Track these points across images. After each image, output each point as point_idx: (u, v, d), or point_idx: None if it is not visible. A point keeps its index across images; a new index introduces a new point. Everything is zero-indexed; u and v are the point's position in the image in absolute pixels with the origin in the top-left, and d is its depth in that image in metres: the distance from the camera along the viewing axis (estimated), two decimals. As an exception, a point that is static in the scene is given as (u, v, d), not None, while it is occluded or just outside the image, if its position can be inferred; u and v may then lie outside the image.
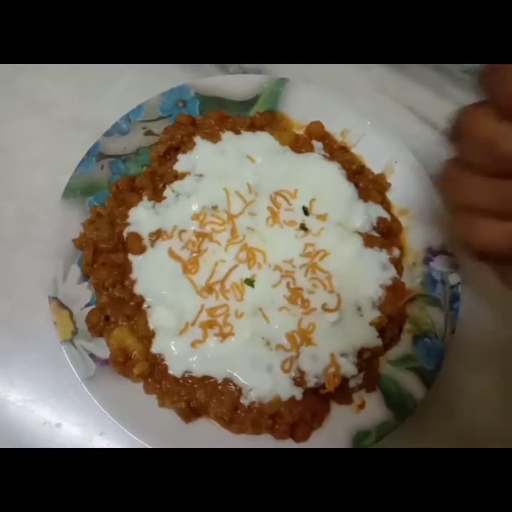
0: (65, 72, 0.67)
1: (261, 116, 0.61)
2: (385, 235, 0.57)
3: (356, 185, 0.58)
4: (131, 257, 0.54)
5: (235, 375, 0.51)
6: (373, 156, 0.61)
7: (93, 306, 0.54)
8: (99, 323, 0.52)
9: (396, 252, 0.57)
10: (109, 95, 0.66)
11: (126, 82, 0.67)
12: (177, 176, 0.57)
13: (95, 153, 0.58)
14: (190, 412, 0.51)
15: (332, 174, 0.57)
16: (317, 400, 0.51)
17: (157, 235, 0.55)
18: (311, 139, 0.61)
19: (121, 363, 0.51)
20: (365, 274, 0.55)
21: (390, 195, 0.60)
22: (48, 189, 0.59)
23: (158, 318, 0.52)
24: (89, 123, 0.63)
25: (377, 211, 0.58)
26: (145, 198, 0.57)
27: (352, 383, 0.52)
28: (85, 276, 0.54)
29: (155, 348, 0.52)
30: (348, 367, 0.51)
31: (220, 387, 0.51)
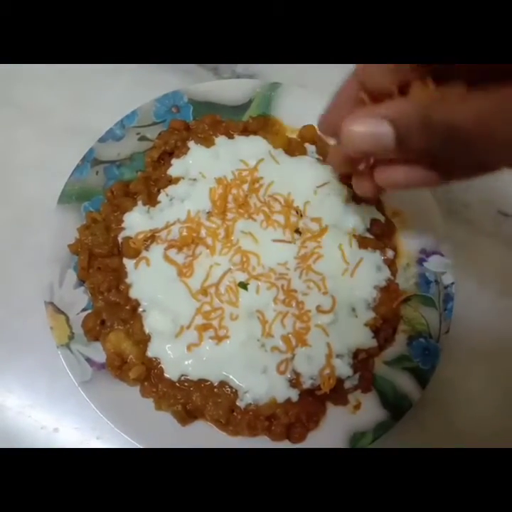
0: (58, 79, 0.68)
1: (254, 121, 0.62)
2: (378, 236, 0.58)
3: (349, 187, 0.59)
4: (126, 261, 0.55)
5: (231, 377, 0.51)
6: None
7: (89, 311, 0.54)
8: (95, 328, 0.53)
9: (390, 253, 0.57)
10: (102, 102, 0.67)
11: (120, 88, 0.68)
12: (171, 181, 0.58)
13: (90, 159, 0.58)
14: (187, 415, 0.51)
15: (325, 177, 0.58)
16: (313, 401, 0.52)
17: (152, 239, 0.55)
18: (304, 142, 0.62)
19: (118, 366, 0.52)
20: (359, 276, 0.55)
21: (383, 197, 0.60)
22: (43, 195, 0.59)
23: (153, 321, 0.52)
24: (83, 129, 0.63)
25: (371, 213, 0.58)
26: (139, 202, 0.57)
27: (347, 384, 0.53)
28: (81, 281, 0.55)
29: (151, 352, 0.52)
30: (343, 368, 0.52)
31: (216, 389, 0.51)
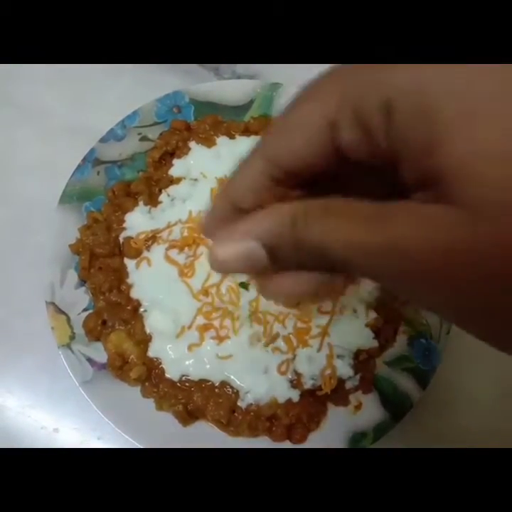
0: (58, 79, 0.68)
1: (255, 121, 0.61)
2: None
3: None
4: (127, 261, 0.55)
5: (232, 377, 0.51)
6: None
7: (90, 311, 0.54)
8: (96, 328, 0.53)
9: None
10: (103, 102, 0.67)
11: (121, 88, 0.68)
12: (172, 181, 0.58)
13: (91, 160, 0.58)
14: (188, 415, 0.51)
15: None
16: (314, 401, 0.52)
17: (153, 239, 0.55)
18: (304, 143, 0.62)
19: (119, 367, 0.51)
20: (360, 276, 0.55)
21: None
22: (44, 196, 0.59)
23: (154, 322, 0.52)
24: (84, 130, 0.63)
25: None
26: (141, 202, 0.57)
27: (348, 384, 0.53)
28: (82, 281, 0.55)
29: (152, 352, 0.52)
30: (344, 368, 0.52)
31: (217, 390, 0.51)
